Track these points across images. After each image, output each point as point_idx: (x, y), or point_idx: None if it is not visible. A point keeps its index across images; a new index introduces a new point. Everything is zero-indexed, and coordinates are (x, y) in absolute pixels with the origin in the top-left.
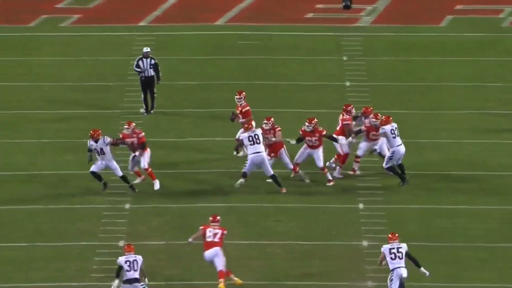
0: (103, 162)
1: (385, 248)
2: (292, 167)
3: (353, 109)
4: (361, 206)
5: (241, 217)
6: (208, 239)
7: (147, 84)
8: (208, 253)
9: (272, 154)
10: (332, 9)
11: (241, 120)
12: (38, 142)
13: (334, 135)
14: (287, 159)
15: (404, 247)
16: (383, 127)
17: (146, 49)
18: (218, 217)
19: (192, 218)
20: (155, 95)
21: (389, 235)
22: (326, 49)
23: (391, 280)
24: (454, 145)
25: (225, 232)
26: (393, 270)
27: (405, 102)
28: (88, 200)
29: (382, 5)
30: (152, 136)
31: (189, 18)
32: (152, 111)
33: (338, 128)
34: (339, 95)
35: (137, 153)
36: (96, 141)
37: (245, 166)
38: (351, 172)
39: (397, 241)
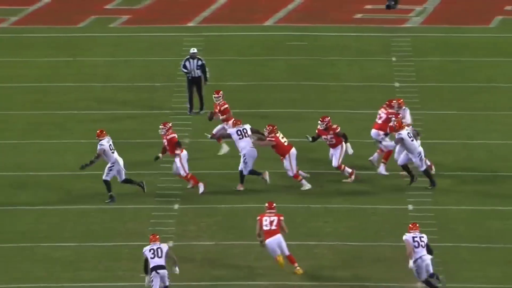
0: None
1: (408, 236)
2: (291, 174)
3: (396, 103)
4: (410, 207)
5: (289, 218)
6: (266, 228)
7: (194, 85)
8: (270, 242)
9: (281, 158)
10: (381, 10)
11: (221, 117)
12: (88, 143)
13: (346, 134)
14: (288, 165)
15: (425, 238)
16: (399, 132)
17: (193, 50)
18: (274, 204)
19: (240, 218)
20: (203, 96)
21: (410, 225)
22: (375, 49)
23: (417, 272)
24: (505, 146)
25: (281, 218)
26: (416, 260)
27: (455, 103)
28: (138, 201)
29: (431, 5)
30: (201, 137)
31: (238, 19)
32: (201, 112)
33: (380, 122)
34: (388, 96)
35: (175, 159)
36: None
37: (245, 166)
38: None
39: (418, 231)
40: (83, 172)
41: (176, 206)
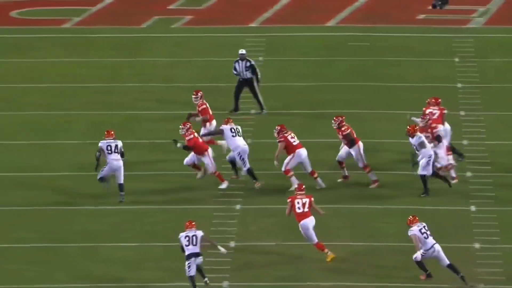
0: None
1: (415, 230)
2: (283, 169)
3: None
4: (473, 208)
5: (349, 219)
6: (299, 210)
7: (245, 87)
8: (305, 223)
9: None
10: (443, 10)
11: (197, 119)
12: (148, 142)
13: (353, 140)
14: (287, 160)
15: (425, 225)
16: (419, 136)
17: (241, 51)
18: (304, 186)
19: None
20: (259, 96)
21: (410, 218)
22: (437, 50)
23: (427, 255)
24: None
25: (312, 199)
26: (428, 250)
27: None
28: (200, 201)
29: (494, 6)
30: (262, 137)
31: (300, 20)
32: (263, 112)
33: (435, 118)
34: (451, 96)
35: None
36: None
37: (243, 163)
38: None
39: (418, 222)
40: (144, 173)
41: (238, 207)
